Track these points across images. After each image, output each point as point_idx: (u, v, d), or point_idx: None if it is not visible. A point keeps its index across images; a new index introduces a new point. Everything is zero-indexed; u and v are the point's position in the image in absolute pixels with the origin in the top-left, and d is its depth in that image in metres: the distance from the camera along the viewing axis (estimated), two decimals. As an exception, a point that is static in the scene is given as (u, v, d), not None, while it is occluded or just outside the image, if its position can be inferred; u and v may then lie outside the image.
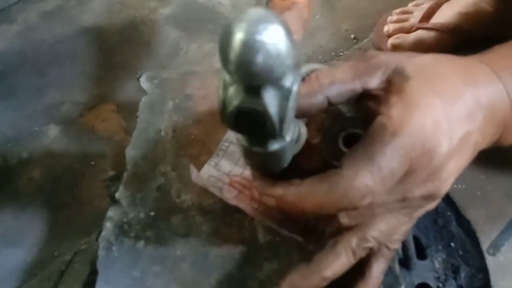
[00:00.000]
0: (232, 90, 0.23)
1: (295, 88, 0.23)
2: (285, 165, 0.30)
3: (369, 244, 0.31)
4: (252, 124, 0.24)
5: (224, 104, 0.24)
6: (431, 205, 0.32)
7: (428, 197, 0.30)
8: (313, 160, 0.32)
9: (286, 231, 0.37)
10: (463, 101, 0.29)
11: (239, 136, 0.28)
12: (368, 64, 0.30)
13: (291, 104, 0.24)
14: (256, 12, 0.21)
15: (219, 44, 0.21)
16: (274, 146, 0.27)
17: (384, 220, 0.31)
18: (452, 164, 0.28)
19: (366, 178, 0.26)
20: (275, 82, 0.23)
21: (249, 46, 0.20)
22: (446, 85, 0.29)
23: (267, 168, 0.30)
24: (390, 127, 0.27)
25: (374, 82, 0.30)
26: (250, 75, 0.21)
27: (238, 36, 0.20)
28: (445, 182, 0.29)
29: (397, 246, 0.33)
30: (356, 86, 0.30)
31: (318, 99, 0.30)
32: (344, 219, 0.30)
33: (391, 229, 0.31)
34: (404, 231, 0.33)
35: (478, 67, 0.31)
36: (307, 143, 0.31)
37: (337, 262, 0.31)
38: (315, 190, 0.27)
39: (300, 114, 0.30)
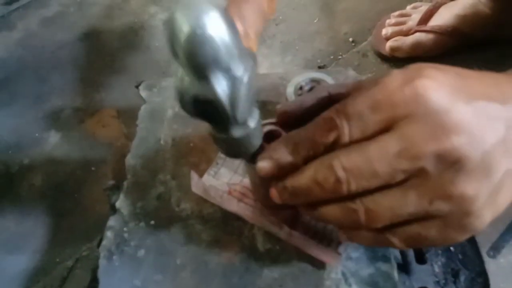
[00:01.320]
0: (186, 81, 0.25)
1: (245, 78, 0.25)
2: (253, 150, 0.31)
3: (339, 173, 0.25)
4: (208, 112, 0.26)
5: (181, 95, 0.25)
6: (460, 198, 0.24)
7: (447, 163, 0.24)
8: None
9: (286, 231, 0.38)
10: (480, 79, 0.26)
11: (207, 124, 0.29)
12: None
13: (243, 92, 0.25)
14: (196, 3, 0.22)
15: (166, 37, 0.23)
16: (238, 132, 0.28)
17: (390, 191, 0.26)
18: (469, 126, 0.24)
19: (331, 112, 0.27)
20: (224, 71, 0.24)
21: (191, 39, 0.22)
22: (456, 69, 0.27)
23: (235, 153, 0.31)
24: (377, 79, 0.26)
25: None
26: (197, 66, 0.23)
27: (181, 30, 0.22)
28: (461, 140, 0.24)
29: (397, 248, 0.28)
30: (356, 84, 0.31)
31: (321, 94, 0.31)
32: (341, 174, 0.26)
33: (394, 202, 0.26)
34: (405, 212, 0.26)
35: (497, 74, 0.28)
36: None
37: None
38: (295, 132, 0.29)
39: (305, 109, 0.31)
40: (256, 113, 0.29)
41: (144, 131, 0.47)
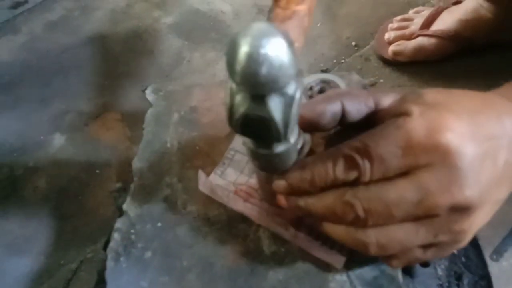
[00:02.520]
0: (238, 98, 0.25)
1: (297, 95, 0.25)
2: (289, 165, 0.31)
3: (356, 205, 0.28)
4: (258, 129, 0.26)
5: (231, 111, 0.26)
6: (463, 235, 0.29)
7: (457, 210, 0.27)
8: None
9: (291, 232, 0.38)
10: (486, 115, 0.29)
11: (246, 139, 0.29)
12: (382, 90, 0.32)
13: (295, 110, 0.25)
14: (259, 26, 0.22)
15: (226, 57, 0.23)
16: (280, 148, 0.29)
17: (403, 228, 0.29)
18: (479, 175, 0.27)
19: (352, 151, 0.28)
20: (279, 90, 0.24)
21: (254, 59, 0.21)
22: (465, 101, 0.29)
23: (272, 168, 0.32)
24: (398, 120, 0.28)
25: (387, 101, 0.32)
26: (255, 85, 0.23)
27: (243, 50, 0.21)
28: (472, 193, 0.27)
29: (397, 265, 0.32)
30: (370, 101, 0.32)
31: (334, 104, 0.32)
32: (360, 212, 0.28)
33: (405, 238, 0.29)
34: (413, 246, 0.30)
35: (495, 97, 0.31)
36: (311, 151, 0.33)
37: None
38: (313, 164, 0.30)
39: (315, 118, 0.31)
40: (296, 128, 0.29)
41: (150, 134, 0.47)
